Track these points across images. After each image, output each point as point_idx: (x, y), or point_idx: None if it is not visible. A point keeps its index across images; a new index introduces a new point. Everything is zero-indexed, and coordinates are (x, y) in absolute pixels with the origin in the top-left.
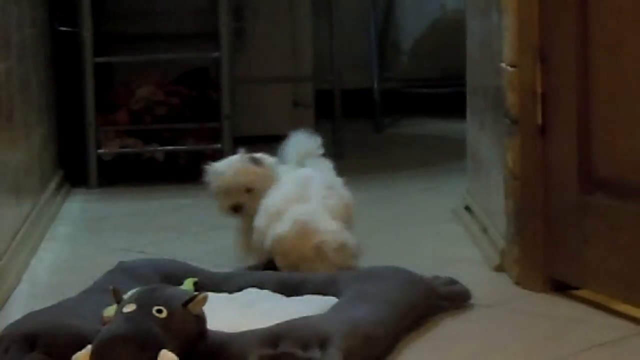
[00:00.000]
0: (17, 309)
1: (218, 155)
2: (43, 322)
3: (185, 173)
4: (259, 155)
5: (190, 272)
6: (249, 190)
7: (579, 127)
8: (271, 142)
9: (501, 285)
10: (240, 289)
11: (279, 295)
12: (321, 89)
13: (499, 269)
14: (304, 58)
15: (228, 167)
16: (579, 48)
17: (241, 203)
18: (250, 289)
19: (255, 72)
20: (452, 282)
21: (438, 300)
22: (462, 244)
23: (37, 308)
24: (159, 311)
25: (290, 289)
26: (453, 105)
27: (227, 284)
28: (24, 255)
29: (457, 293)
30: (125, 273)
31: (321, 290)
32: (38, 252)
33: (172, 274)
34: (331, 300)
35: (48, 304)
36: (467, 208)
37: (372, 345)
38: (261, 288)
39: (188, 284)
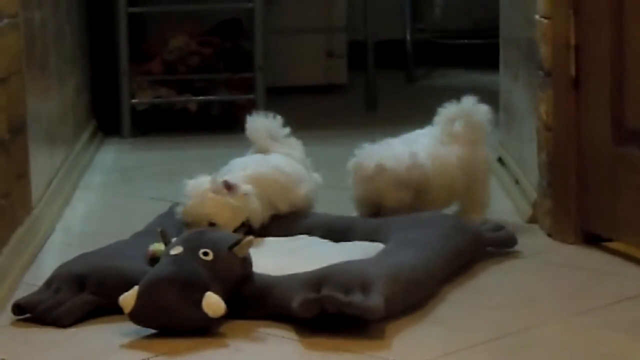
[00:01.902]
0: (51, 257)
1: (250, 106)
2: (93, 264)
3: (217, 123)
4: (234, 182)
5: None
6: (211, 225)
7: (612, 80)
8: (304, 92)
9: (533, 237)
10: (288, 235)
11: (327, 241)
12: (354, 39)
13: (532, 220)
14: (337, 9)
15: (192, 194)
16: None
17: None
18: (298, 235)
19: (289, 22)
20: (499, 227)
21: (485, 246)
22: (494, 196)
23: (70, 256)
24: (205, 254)
25: (338, 235)
26: (486, 56)
27: (276, 230)
28: (58, 204)
29: (504, 239)
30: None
31: (368, 236)
32: (72, 201)
33: None
34: (378, 247)
35: (81, 252)
36: (500, 160)
37: (414, 290)
38: (310, 235)
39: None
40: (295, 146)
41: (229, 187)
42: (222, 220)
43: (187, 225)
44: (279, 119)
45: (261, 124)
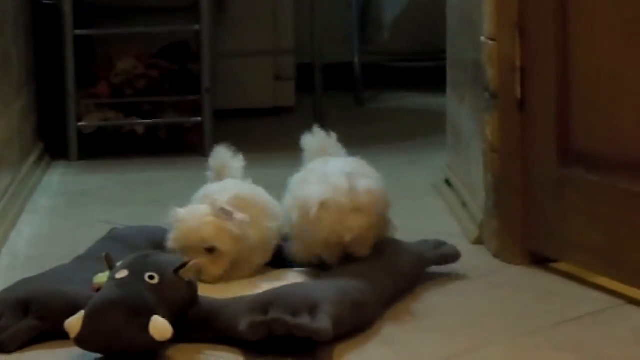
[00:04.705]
0: None
1: (198, 128)
2: (35, 289)
3: (165, 146)
4: (231, 208)
5: None
6: (210, 251)
7: (557, 101)
8: (252, 115)
9: (480, 258)
10: None
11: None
12: (302, 62)
13: (478, 242)
14: (284, 31)
15: (188, 217)
16: (558, 21)
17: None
18: None
19: (236, 45)
20: (440, 244)
21: (427, 266)
22: (441, 218)
23: (16, 280)
24: (151, 277)
25: (281, 262)
26: (434, 79)
27: None
28: (4, 227)
29: (446, 255)
30: (117, 241)
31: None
32: (18, 225)
33: (164, 242)
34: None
35: (27, 275)
36: (447, 182)
37: (361, 312)
38: None
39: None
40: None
41: (227, 213)
42: (224, 246)
43: (179, 251)
44: (242, 159)
45: (229, 161)
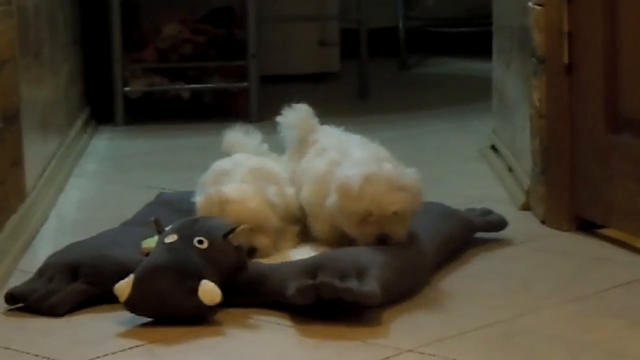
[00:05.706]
0: (45, 245)
1: (244, 94)
2: (85, 253)
3: (210, 111)
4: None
5: None
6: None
7: (605, 67)
8: (297, 80)
9: (527, 223)
10: None
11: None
12: (347, 28)
13: (525, 207)
14: None
15: (239, 194)
16: None
17: (256, 245)
18: None
19: (281, 11)
20: (487, 212)
21: (474, 232)
22: (488, 183)
23: (64, 244)
24: (200, 242)
25: None
26: (477, 45)
27: None
28: (52, 191)
29: (493, 222)
30: (165, 205)
31: None
32: (65, 189)
33: None
34: None
35: (75, 239)
36: (493, 147)
37: (408, 277)
38: None
39: None
40: (277, 161)
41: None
42: (271, 220)
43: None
44: (258, 135)
45: (242, 139)
